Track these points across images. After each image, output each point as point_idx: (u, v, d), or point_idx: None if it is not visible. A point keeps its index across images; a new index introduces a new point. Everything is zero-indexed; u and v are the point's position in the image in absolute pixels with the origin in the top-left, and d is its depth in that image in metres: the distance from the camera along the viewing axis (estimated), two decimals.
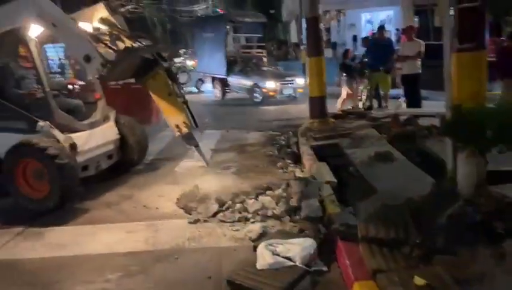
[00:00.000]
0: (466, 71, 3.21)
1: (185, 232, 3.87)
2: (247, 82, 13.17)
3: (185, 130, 4.63)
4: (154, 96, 4.66)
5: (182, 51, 21.04)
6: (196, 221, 4.11)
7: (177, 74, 5.31)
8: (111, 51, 4.31)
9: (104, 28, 4.92)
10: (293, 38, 30.06)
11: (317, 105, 7.18)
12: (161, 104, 4.61)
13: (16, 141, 4.53)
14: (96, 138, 5.18)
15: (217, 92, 14.39)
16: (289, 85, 12.91)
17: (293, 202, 4.11)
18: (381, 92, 8.77)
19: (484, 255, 2.60)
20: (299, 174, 5.25)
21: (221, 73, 13.80)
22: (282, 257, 2.97)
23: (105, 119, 5.48)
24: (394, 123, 6.51)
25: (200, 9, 50.68)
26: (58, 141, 4.53)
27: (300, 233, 3.55)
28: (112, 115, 5.60)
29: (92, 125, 5.23)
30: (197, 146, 4.78)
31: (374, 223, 3.08)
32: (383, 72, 8.47)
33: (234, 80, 13.74)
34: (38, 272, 3.36)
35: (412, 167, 4.51)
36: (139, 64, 4.37)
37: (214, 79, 14.59)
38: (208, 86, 15.49)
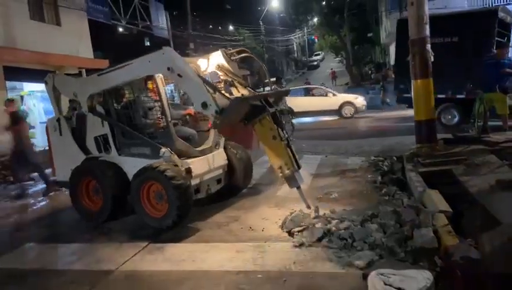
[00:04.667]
0: None
1: (290, 256, 3.94)
2: None
3: (287, 172, 4.73)
4: (260, 139, 4.91)
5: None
6: (301, 245, 4.15)
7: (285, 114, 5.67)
8: (225, 99, 4.71)
9: (220, 74, 5.39)
10: (392, 60, 28.96)
11: (426, 128, 6.80)
12: (266, 147, 4.82)
13: (142, 165, 5.15)
14: (207, 164, 5.64)
15: None
16: None
17: (404, 231, 3.92)
18: (499, 114, 7.96)
19: None
20: (406, 202, 4.99)
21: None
22: (396, 288, 2.86)
23: (216, 145, 5.96)
24: None
25: (296, 37, 52.19)
26: (176, 165, 5.04)
27: (413, 264, 3.37)
28: (222, 141, 6.06)
29: (205, 152, 5.71)
30: (298, 188, 4.85)
31: (501, 257, 2.80)
32: (500, 92, 7.72)
33: None
34: (162, 284, 3.71)
35: None
36: (249, 109, 4.69)
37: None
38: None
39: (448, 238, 3.47)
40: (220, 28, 35.74)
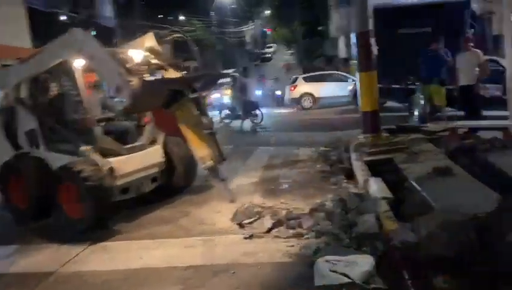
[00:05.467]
0: None
1: (240, 248, 3.95)
2: None
3: (209, 163, 4.55)
4: (181, 127, 4.67)
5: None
6: (251, 236, 4.18)
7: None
8: (140, 82, 4.35)
9: (150, 56, 5.11)
10: (341, 53, 29.81)
11: (370, 120, 7.05)
12: (187, 135, 4.61)
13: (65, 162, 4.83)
14: (138, 162, 5.30)
15: None
16: None
17: (348, 218, 4.07)
18: (436, 105, 8.44)
19: None
20: (352, 190, 5.18)
21: None
22: (340, 274, 2.95)
23: (152, 142, 5.63)
24: (452, 136, 6.24)
25: (248, 29, 52.17)
26: (96, 165, 4.72)
27: (357, 250, 3.50)
28: (161, 138, 5.72)
29: (135, 149, 5.39)
30: (223, 180, 4.67)
31: (436, 240, 2.97)
32: (437, 84, 8.17)
33: None
34: (106, 284, 3.56)
35: (475, 182, 4.28)
36: (168, 94, 4.44)
37: None
38: None
39: (389, 223, 3.63)
40: (170, 18, 34.84)
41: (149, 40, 5.15)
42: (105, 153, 4.98)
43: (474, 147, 5.47)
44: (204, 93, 4.85)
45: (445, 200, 3.85)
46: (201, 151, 4.55)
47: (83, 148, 4.83)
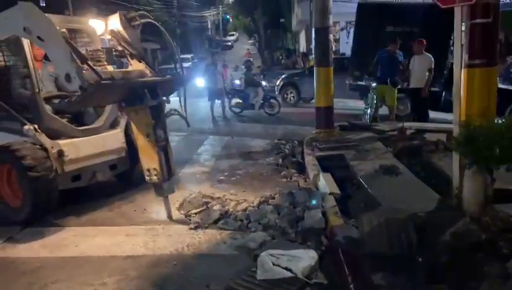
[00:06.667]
0: (476, 87, 3.18)
1: (184, 238, 3.84)
2: None
3: (154, 178, 4.16)
4: (134, 131, 4.25)
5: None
6: (197, 227, 4.07)
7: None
8: (95, 75, 3.79)
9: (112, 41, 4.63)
10: (302, 47, 30.14)
11: (324, 115, 7.15)
12: (138, 142, 4.20)
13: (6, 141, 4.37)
14: (94, 146, 4.83)
15: None
16: None
17: (296, 212, 4.07)
18: (388, 106, 8.71)
19: (489, 276, 2.54)
20: (302, 184, 5.21)
21: None
22: (283, 268, 2.93)
23: (113, 125, 5.18)
24: (400, 137, 6.47)
25: (210, 15, 51.20)
26: (43, 147, 4.31)
27: (302, 244, 3.50)
28: (122, 121, 5.20)
29: (91, 132, 4.88)
30: (165, 197, 4.30)
31: (377, 237, 3.03)
32: (390, 85, 8.41)
33: None
34: (36, 272, 3.33)
35: (418, 181, 4.45)
36: (126, 92, 4.00)
37: None
38: None
39: (335, 218, 3.68)
40: None
41: (114, 21, 4.53)
42: (55, 135, 4.50)
43: (420, 148, 5.69)
44: (164, 98, 4.23)
45: (390, 198, 3.97)
46: (147, 164, 4.16)
47: (27, 126, 4.34)
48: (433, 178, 4.68)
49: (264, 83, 13.30)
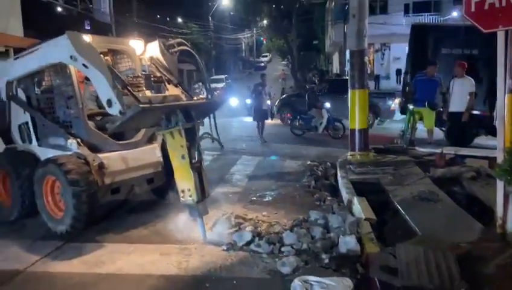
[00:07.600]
0: None
1: (217, 259, 3.84)
2: None
3: (188, 199, 4.20)
4: (169, 153, 4.35)
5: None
6: (229, 249, 4.07)
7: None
8: (134, 100, 4.05)
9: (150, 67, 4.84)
10: (335, 68, 30.11)
11: (359, 137, 7.05)
12: (173, 163, 4.27)
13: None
14: (132, 159, 4.96)
15: None
16: None
17: (330, 237, 3.99)
18: (426, 128, 8.49)
19: None
20: (336, 208, 5.12)
21: None
22: None
23: (151, 140, 5.34)
24: (439, 161, 6.26)
25: (244, 37, 52.36)
26: (85, 160, 4.47)
27: (336, 271, 3.42)
28: (159, 137, 5.20)
29: (130, 146, 5.04)
30: (200, 218, 4.32)
31: (416, 268, 2.92)
32: (428, 107, 8.22)
33: None
34: (74, 287, 3.42)
35: (458, 209, 4.28)
36: (160, 118, 4.16)
37: None
38: None
39: (371, 245, 3.58)
40: (168, 18, 34.73)
41: (153, 48, 4.73)
42: (96, 149, 4.70)
43: (460, 174, 5.48)
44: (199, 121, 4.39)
45: (428, 226, 3.83)
46: (182, 185, 4.23)
47: (70, 140, 4.59)
48: (475, 206, 4.49)
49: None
